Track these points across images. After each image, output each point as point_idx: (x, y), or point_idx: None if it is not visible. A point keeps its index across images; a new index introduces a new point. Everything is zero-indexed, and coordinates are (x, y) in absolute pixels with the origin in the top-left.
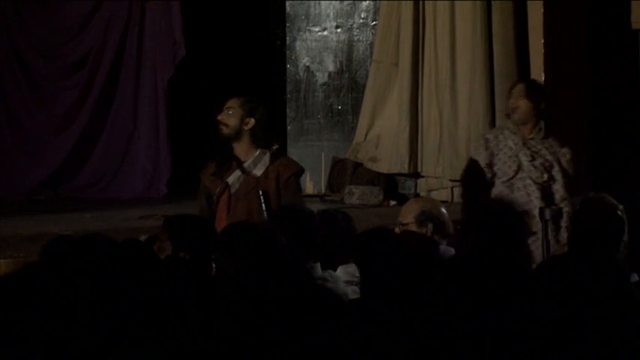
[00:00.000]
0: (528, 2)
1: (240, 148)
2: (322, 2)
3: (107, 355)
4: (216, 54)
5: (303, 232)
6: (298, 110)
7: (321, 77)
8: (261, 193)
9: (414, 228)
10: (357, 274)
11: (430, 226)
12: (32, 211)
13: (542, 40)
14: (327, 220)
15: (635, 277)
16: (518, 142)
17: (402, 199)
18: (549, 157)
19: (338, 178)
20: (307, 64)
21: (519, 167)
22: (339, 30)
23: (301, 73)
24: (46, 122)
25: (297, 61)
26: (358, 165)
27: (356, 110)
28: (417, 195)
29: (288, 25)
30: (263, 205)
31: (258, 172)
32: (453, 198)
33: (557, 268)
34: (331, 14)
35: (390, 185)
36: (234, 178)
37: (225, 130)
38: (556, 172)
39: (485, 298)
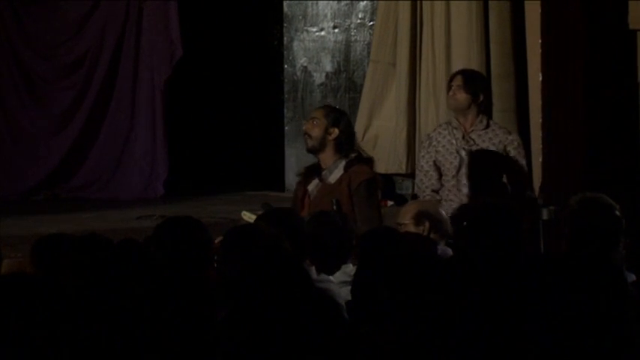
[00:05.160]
0: (525, 2)
1: (324, 157)
2: (320, 2)
3: (104, 355)
4: (213, 54)
5: (292, 235)
6: (296, 110)
7: (319, 77)
8: (334, 202)
9: (411, 228)
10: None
11: (427, 224)
12: (30, 211)
13: (540, 41)
14: (324, 220)
15: (632, 277)
16: (459, 137)
17: (400, 200)
18: (492, 149)
19: None
20: (305, 64)
21: (461, 162)
22: (336, 30)
23: (299, 74)
24: (44, 122)
25: (294, 62)
26: None
27: (353, 111)
28: (414, 195)
29: (285, 25)
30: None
31: (333, 179)
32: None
33: (554, 267)
34: (329, 14)
35: (388, 185)
36: (313, 185)
37: (309, 142)
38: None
39: (483, 297)
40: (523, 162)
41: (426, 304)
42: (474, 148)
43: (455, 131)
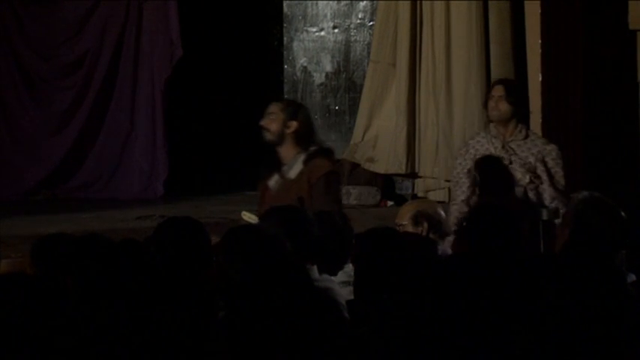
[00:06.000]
0: (525, 2)
1: (284, 152)
2: (320, 2)
3: (104, 355)
4: (213, 54)
5: (296, 233)
6: None
7: (319, 78)
8: (298, 200)
9: (410, 229)
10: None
11: (425, 225)
12: (30, 212)
13: (540, 41)
14: (324, 220)
15: (632, 277)
16: (498, 146)
17: (400, 200)
18: (531, 159)
19: None
20: (304, 64)
21: None
22: (336, 30)
23: (298, 74)
24: (44, 122)
25: (294, 62)
26: (355, 165)
27: (353, 111)
28: (414, 195)
29: (285, 25)
30: None
31: (293, 174)
32: (450, 198)
33: (554, 268)
34: (328, 14)
35: (388, 186)
36: (273, 180)
37: (267, 136)
38: (541, 171)
39: (482, 297)
40: (561, 172)
41: (426, 304)
42: (513, 157)
43: (494, 140)
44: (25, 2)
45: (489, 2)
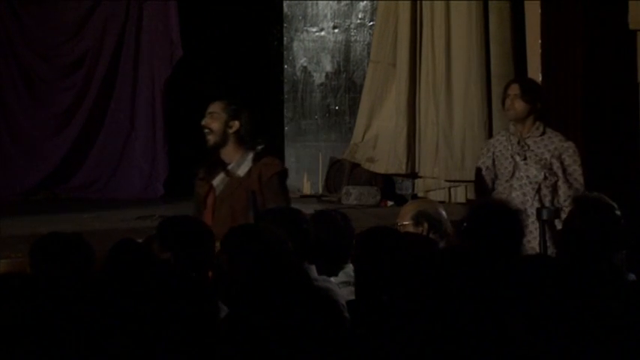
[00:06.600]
0: (525, 2)
1: (227, 151)
2: (319, 2)
3: (103, 355)
4: (213, 54)
5: (293, 233)
6: (295, 111)
7: (319, 78)
8: (250, 195)
9: (410, 229)
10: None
11: (426, 225)
12: (30, 212)
13: (540, 41)
14: (324, 220)
15: (632, 277)
16: (514, 142)
17: (400, 200)
18: (547, 156)
19: (335, 179)
20: (304, 64)
21: (515, 168)
22: (336, 30)
23: (298, 74)
24: (44, 122)
25: (294, 62)
26: (356, 165)
27: (353, 111)
28: (414, 195)
29: (285, 25)
30: (252, 206)
31: (242, 172)
32: (450, 198)
33: (554, 268)
34: (328, 14)
35: (388, 186)
36: (218, 180)
37: (211, 138)
38: (557, 168)
39: (483, 297)
40: (579, 170)
41: (426, 304)
42: (528, 153)
43: (511, 137)
44: (25, 2)
45: (489, 2)
